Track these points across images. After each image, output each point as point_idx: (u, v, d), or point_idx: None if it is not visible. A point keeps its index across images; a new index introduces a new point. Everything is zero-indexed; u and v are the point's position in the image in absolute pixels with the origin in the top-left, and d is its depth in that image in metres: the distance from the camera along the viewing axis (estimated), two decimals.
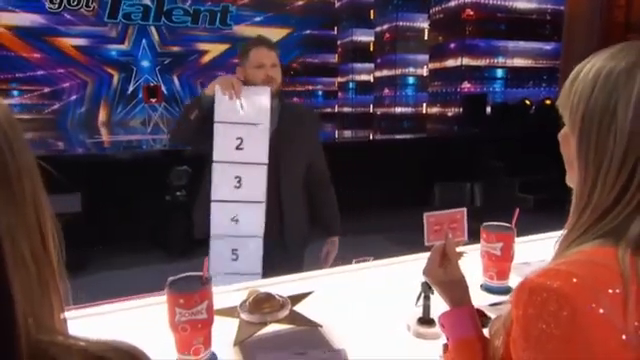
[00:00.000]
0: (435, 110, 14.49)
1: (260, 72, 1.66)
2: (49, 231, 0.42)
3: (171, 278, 0.93)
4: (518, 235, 1.27)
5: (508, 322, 0.59)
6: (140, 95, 11.73)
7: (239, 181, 1.55)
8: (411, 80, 15.30)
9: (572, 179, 0.63)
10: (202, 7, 12.54)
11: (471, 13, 12.87)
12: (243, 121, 1.55)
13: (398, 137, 8.18)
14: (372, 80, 15.97)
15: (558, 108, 0.65)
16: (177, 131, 1.78)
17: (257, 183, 1.55)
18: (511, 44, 13.50)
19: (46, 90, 11.30)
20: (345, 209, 4.39)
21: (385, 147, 6.18)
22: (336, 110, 15.47)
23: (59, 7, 10.85)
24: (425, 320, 1.04)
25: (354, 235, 3.81)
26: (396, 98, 15.35)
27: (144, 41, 12.54)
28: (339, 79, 15.57)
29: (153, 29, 12.54)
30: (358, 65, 15.69)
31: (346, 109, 15.69)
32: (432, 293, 1.01)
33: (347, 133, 10.23)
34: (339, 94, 15.72)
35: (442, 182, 4.46)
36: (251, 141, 1.56)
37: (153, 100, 9.31)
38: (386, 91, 15.82)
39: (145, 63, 12.64)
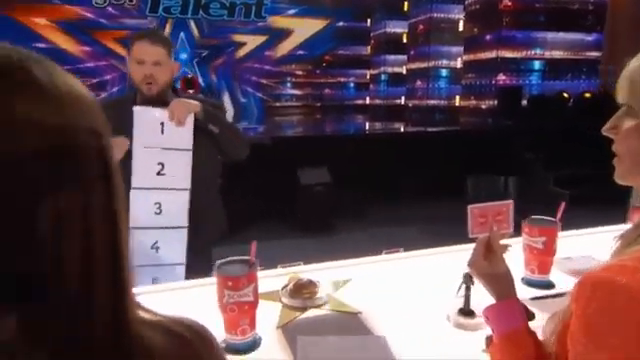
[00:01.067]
0: (469, 102, 14.12)
1: (139, 69, 1.48)
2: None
3: (219, 261, 0.96)
4: None
5: (567, 316, 0.58)
6: (178, 86, 12.00)
7: (159, 207, 1.44)
8: (444, 72, 14.95)
9: (631, 173, 0.61)
10: (237, 0, 12.65)
11: (509, 4, 12.39)
12: (165, 146, 1.41)
13: (431, 129, 8.06)
14: (404, 72, 15.70)
15: (619, 102, 0.62)
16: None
17: (179, 209, 1.45)
18: (550, 35, 12.92)
19: (93, 81, 11.73)
20: (377, 201, 4.36)
21: (417, 139, 6.09)
22: (367, 102, 15.33)
23: (104, 2, 11.21)
24: (466, 311, 1.04)
25: (385, 226, 3.79)
26: (429, 90, 15.04)
27: (182, 34, 12.80)
28: (371, 71, 15.39)
29: (191, 22, 12.76)
30: (391, 57, 15.45)
31: (377, 101, 15.52)
32: (473, 284, 1.00)
33: (378, 125, 10.15)
34: (371, 86, 15.56)
35: (476, 175, 4.37)
36: (174, 167, 1.43)
37: (191, 91, 9.51)
38: (419, 83, 15.52)
39: (183, 55, 12.91)
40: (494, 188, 4.30)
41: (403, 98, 15.85)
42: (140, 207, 1.39)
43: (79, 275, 0.34)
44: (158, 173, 1.41)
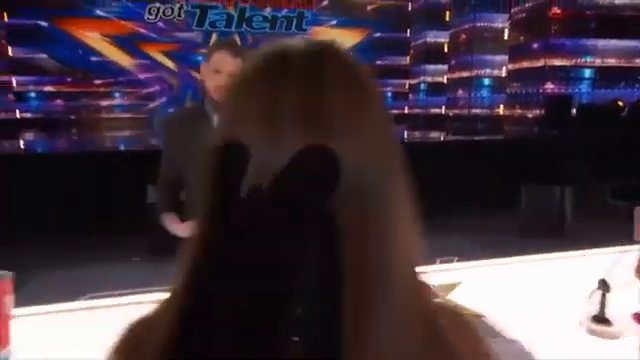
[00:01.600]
0: (513, 111, 13.75)
1: (215, 78, 1.51)
2: None
3: None
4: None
5: None
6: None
7: None
8: (487, 81, 14.64)
9: None
10: (279, 14, 12.96)
11: (558, 11, 12.04)
12: None
13: (477, 138, 7.88)
14: (445, 81, 15.51)
15: None
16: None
17: None
18: (601, 42, 12.42)
19: (143, 92, 12.30)
20: (426, 209, 4.28)
21: (467, 148, 5.97)
22: (406, 111, 15.22)
23: (155, 17, 11.76)
24: (600, 318, 1.00)
25: (434, 235, 3.73)
26: (471, 99, 14.77)
27: None
28: (410, 81, 15.28)
29: (236, 36, 13.16)
30: (431, 67, 15.31)
31: (417, 110, 15.38)
32: (609, 291, 0.97)
33: (417, 134, 10.03)
34: (410, 96, 15.44)
35: (528, 184, 4.20)
36: None
37: None
38: (460, 92, 15.26)
39: None
40: (548, 199, 4.12)
41: (443, 107, 15.66)
42: None
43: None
44: None
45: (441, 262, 1.77)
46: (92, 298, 1.25)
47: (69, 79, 11.64)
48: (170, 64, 12.48)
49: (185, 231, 1.46)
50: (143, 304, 1.03)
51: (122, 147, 7.55)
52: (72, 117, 11.82)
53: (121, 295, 1.18)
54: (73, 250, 3.36)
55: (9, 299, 0.90)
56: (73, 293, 1.68)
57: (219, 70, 1.49)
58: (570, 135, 6.50)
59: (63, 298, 1.22)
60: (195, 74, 12.86)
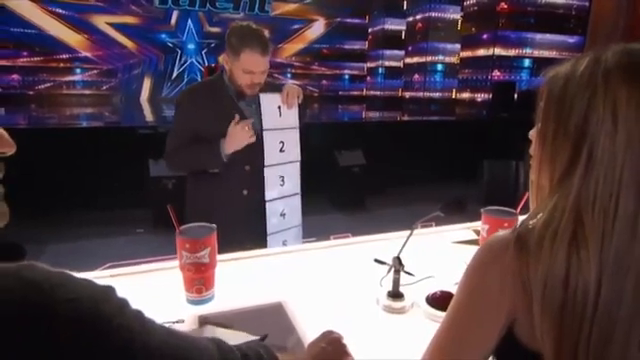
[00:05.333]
0: (465, 95, 14.55)
1: (247, 78, 1.44)
2: None
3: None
4: None
5: None
6: (187, 75, 12.17)
7: (282, 180, 1.56)
8: (441, 67, 15.26)
9: None
10: None
11: (505, 6, 12.82)
12: (283, 126, 1.52)
13: (431, 119, 8.34)
14: (402, 66, 15.98)
15: None
16: (177, 164, 1.57)
17: (295, 178, 1.60)
18: (538, 36, 13.41)
19: (104, 69, 11.78)
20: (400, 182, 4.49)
21: (421, 128, 6.33)
22: (364, 93, 15.60)
23: None
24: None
25: (408, 205, 4.00)
26: (426, 83, 15.34)
27: (191, 25, 12.86)
28: (368, 64, 15.64)
29: (199, 15, 12.83)
30: (388, 52, 15.70)
31: (375, 92, 15.79)
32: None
33: (374, 114, 10.39)
34: (368, 78, 15.82)
35: (489, 159, 4.55)
36: (289, 143, 1.54)
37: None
38: (416, 76, 15.80)
39: (191, 46, 12.98)
40: (506, 172, 4.47)
41: (400, 90, 16.19)
42: (271, 182, 1.52)
43: None
44: (280, 150, 1.52)
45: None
46: (112, 267, 1.17)
47: (25, 53, 10.92)
48: (132, 42, 12.00)
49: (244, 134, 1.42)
50: (165, 270, 1.05)
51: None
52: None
53: (139, 264, 1.11)
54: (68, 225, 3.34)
55: None
56: (89, 264, 1.60)
57: (251, 71, 1.42)
58: (513, 116, 7.04)
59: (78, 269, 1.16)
60: (158, 54, 12.49)
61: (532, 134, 0.57)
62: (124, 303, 0.39)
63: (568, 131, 0.48)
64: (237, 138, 1.42)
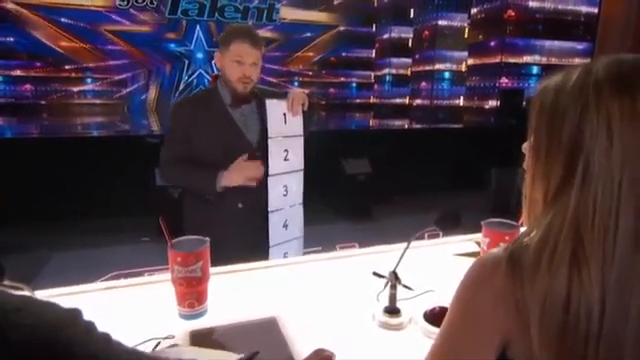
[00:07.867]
0: (472, 103, 14.48)
1: (237, 68, 1.42)
2: None
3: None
4: None
5: None
6: (195, 84, 12.30)
7: (286, 189, 1.50)
8: (448, 75, 15.23)
9: None
10: (250, 4, 12.90)
11: (512, 14, 12.80)
12: (288, 134, 1.47)
13: (439, 127, 8.30)
14: (409, 74, 16.00)
15: None
16: (171, 179, 1.55)
17: (298, 188, 1.54)
18: (547, 43, 13.35)
19: (114, 78, 11.96)
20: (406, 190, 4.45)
21: (429, 136, 6.30)
22: (371, 101, 15.62)
23: (127, 4, 11.43)
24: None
25: (414, 214, 3.96)
26: (433, 91, 15.32)
27: (200, 34, 13.03)
28: (376, 72, 15.68)
29: (208, 24, 12.99)
30: (395, 60, 15.75)
31: (382, 100, 15.80)
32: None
33: (382, 122, 10.38)
34: (375, 86, 15.85)
35: (496, 168, 4.50)
36: (293, 151, 1.49)
37: None
38: (423, 84, 15.79)
39: (199, 55, 13.14)
40: (513, 180, 4.41)
41: (407, 98, 16.18)
42: (275, 192, 1.47)
43: None
44: (284, 159, 1.48)
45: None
46: (112, 278, 1.13)
47: (38, 64, 11.14)
48: (141, 51, 12.17)
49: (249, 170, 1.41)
50: (160, 283, 1.00)
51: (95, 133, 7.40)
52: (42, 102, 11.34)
53: (144, 272, 1.05)
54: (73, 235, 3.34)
55: None
56: (90, 274, 1.60)
57: (241, 61, 1.41)
58: (521, 124, 6.96)
59: (82, 280, 1.08)
60: (166, 63, 12.65)
61: (525, 147, 0.56)
62: (90, 327, 0.38)
63: (562, 143, 0.47)
64: (241, 175, 1.41)
